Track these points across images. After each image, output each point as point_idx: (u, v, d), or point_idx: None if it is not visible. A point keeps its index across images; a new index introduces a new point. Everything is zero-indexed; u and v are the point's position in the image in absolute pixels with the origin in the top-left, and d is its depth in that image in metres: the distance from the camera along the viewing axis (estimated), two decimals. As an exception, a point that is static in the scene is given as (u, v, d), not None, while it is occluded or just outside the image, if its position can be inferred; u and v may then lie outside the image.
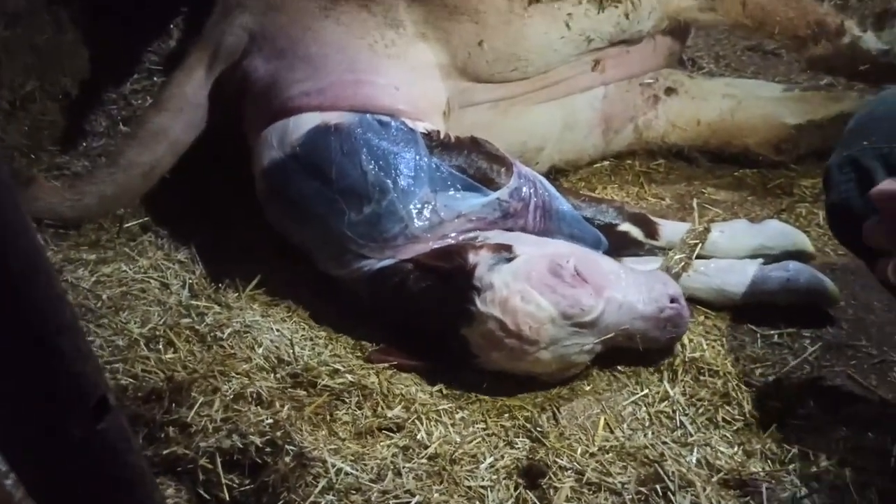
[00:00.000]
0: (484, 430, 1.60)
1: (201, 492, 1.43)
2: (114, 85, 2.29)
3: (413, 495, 1.42)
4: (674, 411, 1.63)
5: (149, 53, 2.35)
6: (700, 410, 1.63)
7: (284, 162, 1.85)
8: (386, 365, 1.72)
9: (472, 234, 1.78)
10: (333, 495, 1.40)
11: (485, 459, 1.51)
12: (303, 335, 1.79)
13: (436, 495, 1.43)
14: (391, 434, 1.55)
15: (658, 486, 1.43)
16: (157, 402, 1.50)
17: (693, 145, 2.38)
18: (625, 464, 1.50)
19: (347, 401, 1.60)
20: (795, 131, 2.31)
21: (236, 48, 1.98)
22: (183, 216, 2.09)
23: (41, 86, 2.14)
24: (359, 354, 1.77)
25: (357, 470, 1.45)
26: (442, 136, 1.90)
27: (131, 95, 2.32)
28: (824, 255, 2.02)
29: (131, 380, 1.54)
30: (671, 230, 2.01)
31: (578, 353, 1.66)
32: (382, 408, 1.60)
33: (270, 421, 1.47)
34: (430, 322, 1.71)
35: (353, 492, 1.41)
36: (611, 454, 1.52)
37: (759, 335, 1.82)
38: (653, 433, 1.58)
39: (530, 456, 1.51)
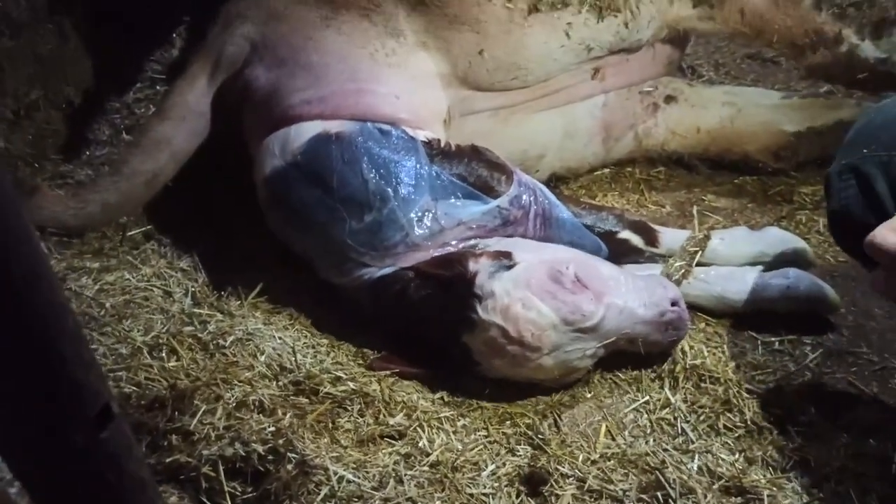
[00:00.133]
0: (485, 437, 1.60)
1: (204, 500, 1.43)
2: (117, 94, 2.30)
3: (415, 503, 1.42)
4: (675, 418, 1.63)
5: (151, 63, 2.36)
6: (701, 417, 1.63)
7: (286, 170, 1.86)
8: (388, 372, 1.72)
9: (472, 242, 1.79)
10: (335, 503, 1.41)
11: (486, 467, 1.51)
12: (305, 343, 1.79)
13: (437, 503, 1.43)
14: (393, 442, 1.56)
15: (659, 494, 1.44)
16: (160, 409, 1.51)
17: (693, 153, 2.39)
18: (626, 471, 1.50)
19: (349, 408, 1.61)
20: (795, 139, 2.32)
21: (238, 57, 1.99)
22: (186, 224, 2.10)
23: (45, 95, 2.15)
24: (361, 362, 1.78)
25: (359, 477, 1.45)
26: (442, 144, 1.91)
27: (134, 104, 2.33)
28: (824, 263, 2.02)
29: (134, 388, 1.55)
30: (671, 238, 2.01)
31: (580, 358, 1.67)
32: (384, 415, 1.60)
33: (273, 429, 1.47)
34: (432, 330, 1.72)
35: (355, 499, 1.42)
36: (612, 461, 1.53)
37: (759, 342, 1.82)
38: (654, 440, 1.58)
39: (532, 463, 1.52)
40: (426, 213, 1.79)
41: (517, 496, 1.46)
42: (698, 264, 1.94)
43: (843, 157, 1.45)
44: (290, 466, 1.43)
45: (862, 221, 1.33)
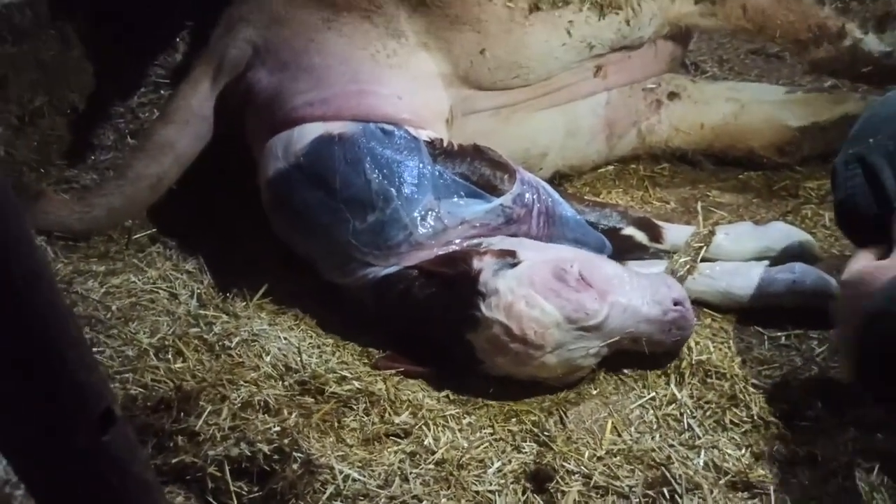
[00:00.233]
0: (491, 434, 1.60)
1: (210, 500, 1.44)
2: (121, 98, 2.32)
3: (421, 501, 1.42)
4: (681, 414, 1.63)
5: (155, 67, 2.37)
6: (707, 413, 1.62)
7: (289, 172, 1.87)
8: (393, 371, 1.72)
9: (475, 241, 1.79)
10: (341, 502, 1.41)
11: (492, 464, 1.51)
12: (310, 343, 1.80)
13: (443, 500, 1.43)
14: (398, 440, 1.56)
15: (665, 489, 1.43)
16: (166, 411, 1.51)
17: (697, 149, 2.39)
18: (632, 467, 1.50)
19: (355, 407, 1.61)
20: (799, 134, 2.31)
21: (240, 61, 2.00)
22: (190, 227, 2.11)
23: (49, 101, 2.17)
24: (366, 361, 1.78)
25: (365, 476, 1.45)
26: (445, 143, 1.91)
27: (138, 109, 2.34)
28: (830, 257, 2.01)
29: (141, 389, 1.56)
30: (676, 234, 2.01)
31: (584, 356, 1.66)
32: (390, 414, 1.60)
33: (278, 428, 1.48)
34: (436, 328, 1.72)
35: (361, 498, 1.42)
36: (618, 457, 1.52)
37: (766, 337, 1.82)
38: (660, 436, 1.58)
39: (538, 460, 1.52)
40: (429, 213, 1.79)
41: (523, 493, 1.46)
42: (703, 260, 1.93)
43: (850, 147, 1.45)
44: (295, 466, 1.43)
45: (868, 211, 1.34)
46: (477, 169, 1.88)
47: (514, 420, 1.65)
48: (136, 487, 0.90)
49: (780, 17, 2.22)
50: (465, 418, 1.63)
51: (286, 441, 1.46)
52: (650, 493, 1.44)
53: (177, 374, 1.59)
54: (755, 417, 1.60)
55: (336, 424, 1.56)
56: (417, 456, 1.51)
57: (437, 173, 1.84)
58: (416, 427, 1.58)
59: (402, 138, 1.87)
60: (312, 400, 1.60)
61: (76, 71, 2.22)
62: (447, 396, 1.71)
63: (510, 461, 1.52)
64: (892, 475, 1.45)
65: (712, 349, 1.76)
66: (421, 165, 1.83)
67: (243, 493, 1.43)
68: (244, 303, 1.90)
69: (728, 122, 2.37)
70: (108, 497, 0.89)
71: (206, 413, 1.49)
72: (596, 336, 1.65)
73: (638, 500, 1.42)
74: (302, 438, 1.47)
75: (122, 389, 1.54)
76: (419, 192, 1.80)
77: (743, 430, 1.59)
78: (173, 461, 1.46)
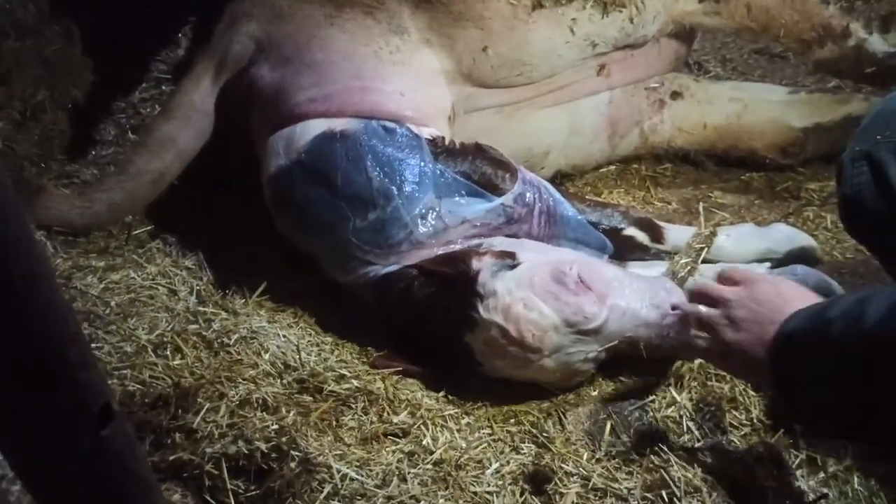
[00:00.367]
0: (490, 435, 1.60)
1: (207, 497, 1.43)
2: (122, 94, 2.32)
3: (418, 501, 1.42)
4: (680, 416, 1.62)
5: (157, 62, 2.37)
6: (707, 416, 1.61)
7: (290, 169, 1.86)
8: (391, 370, 1.72)
9: (476, 241, 1.78)
10: (339, 501, 1.41)
11: (490, 465, 1.51)
12: (309, 341, 1.79)
13: (441, 501, 1.43)
14: (397, 439, 1.56)
15: (664, 492, 1.43)
16: (164, 407, 1.51)
17: (699, 149, 2.38)
18: (631, 469, 1.49)
19: (353, 406, 1.61)
20: (802, 134, 2.30)
21: (243, 56, 2.00)
22: (191, 223, 2.10)
23: (51, 96, 2.17)
24: (365, 360, 1.78)
25: (362, 475, 1.45)
26: (447, 141, 1.91)
27: (140, 104, 2.34)
28: (832, 259, 2.00)
29: (139, 386, 1.55)
30: (677, 234, 2.00)
31: (582, 360, 1.66)
32: (388, 413, 1.60)
33: (276, 427, 1.48)
34: (435, 328, 1.71)
35: (359, 497, 1.41)
36: (617, 460, 1.52)
37: (766, 339, 1.81)
38: (659, 439, 1.57)
39: (536, 461, 1.51)
40: (430, 211, 1.79)
41: (521, 494, 1.46)
42: (705, 261, 1.92)
43: (857, 143, 1.44)
44: (293, 464, 1.43)
45: (873, 207, 1.33)
46: (478, 168, 1.87)
47: (512, 421, 1.65)
48: (134, 484, 0.90)
49: (784, 17, 2.21)
50: (463, 418, 1.63)
51: (284, 439, 1.45)
52: (649, 495, 1.43)
53: (175, 370, 1.59)
54: (755, 420, 1.59)
55: (334, 423, 1.56)
56: (415, 456, 1.51)
57: (439, 172, 1.83)
58: (415, 427, 1.57)
59: (404, 136, 1.87)
60: (311, 398, 1.60)
61: (78, 66, 2.22)
62: (446, 396, 1.71)
63: (508, 462, 1.52)
64: (891, 479, 1.44)
65: (713, 351, 1.75)
66: (422, 164, 1.83)
67: (240, 491, 1.43)
68: (243, 300, 1.89)
69: (731, 123, 2.36)
70: (105, 494, 0.89)
71: (203, 410, 1.49)
72: (594, 340, 1.64)
73: (636, 502, 1.42)
74: (300, 437, 1.47)
75: (120, 386, 1.54)
76: (420, 191, 1.79)
77: (742, 433, 1.58)
78: (171, 458, 1.45)
